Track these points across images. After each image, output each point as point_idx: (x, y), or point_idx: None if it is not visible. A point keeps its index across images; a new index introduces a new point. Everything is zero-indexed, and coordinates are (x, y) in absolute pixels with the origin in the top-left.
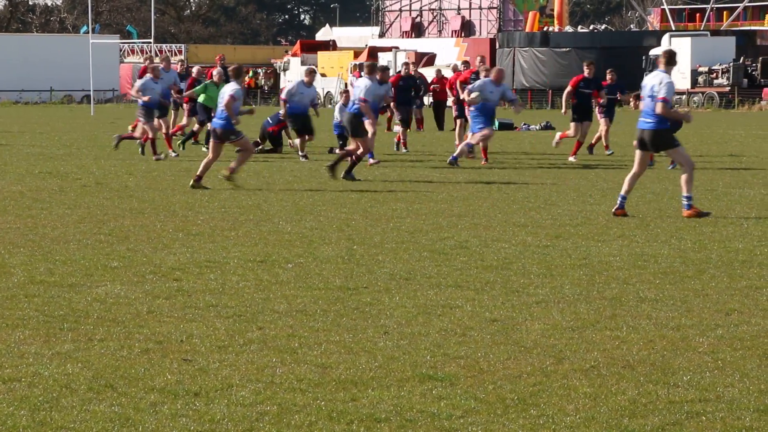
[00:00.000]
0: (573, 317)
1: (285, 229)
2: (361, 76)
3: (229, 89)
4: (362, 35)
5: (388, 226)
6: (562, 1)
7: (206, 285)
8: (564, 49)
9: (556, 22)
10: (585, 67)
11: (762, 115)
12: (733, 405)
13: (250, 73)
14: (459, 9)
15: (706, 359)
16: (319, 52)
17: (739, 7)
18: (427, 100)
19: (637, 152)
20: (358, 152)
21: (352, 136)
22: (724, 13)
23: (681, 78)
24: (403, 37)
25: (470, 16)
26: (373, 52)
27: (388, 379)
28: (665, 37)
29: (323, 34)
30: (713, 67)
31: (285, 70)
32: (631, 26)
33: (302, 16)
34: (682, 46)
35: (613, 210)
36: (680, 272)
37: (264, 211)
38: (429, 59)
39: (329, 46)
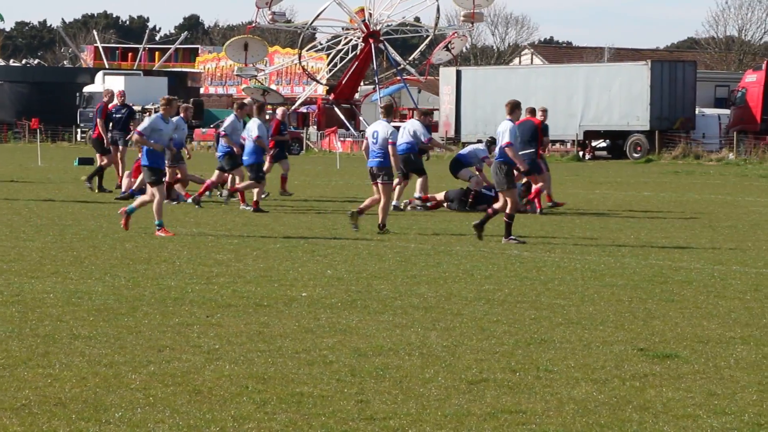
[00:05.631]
0: (4, 355)
1: None
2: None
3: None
4: None
5: None
6: None
7: None
8: None
9: None
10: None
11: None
12: None
13: None
14: None
15: (138, 395)
16: None
17: (170, 48)
18: None
19: None
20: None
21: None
22: (157, 54)
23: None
24: None
25: None
26: None
27: None
28: (99, 75)
29: None
30: (146, 107)
31: None
32: (65, 62)
33: None
34: (116, 84)
35: None
36: (114, 309)
37: None
38: None
39: None
